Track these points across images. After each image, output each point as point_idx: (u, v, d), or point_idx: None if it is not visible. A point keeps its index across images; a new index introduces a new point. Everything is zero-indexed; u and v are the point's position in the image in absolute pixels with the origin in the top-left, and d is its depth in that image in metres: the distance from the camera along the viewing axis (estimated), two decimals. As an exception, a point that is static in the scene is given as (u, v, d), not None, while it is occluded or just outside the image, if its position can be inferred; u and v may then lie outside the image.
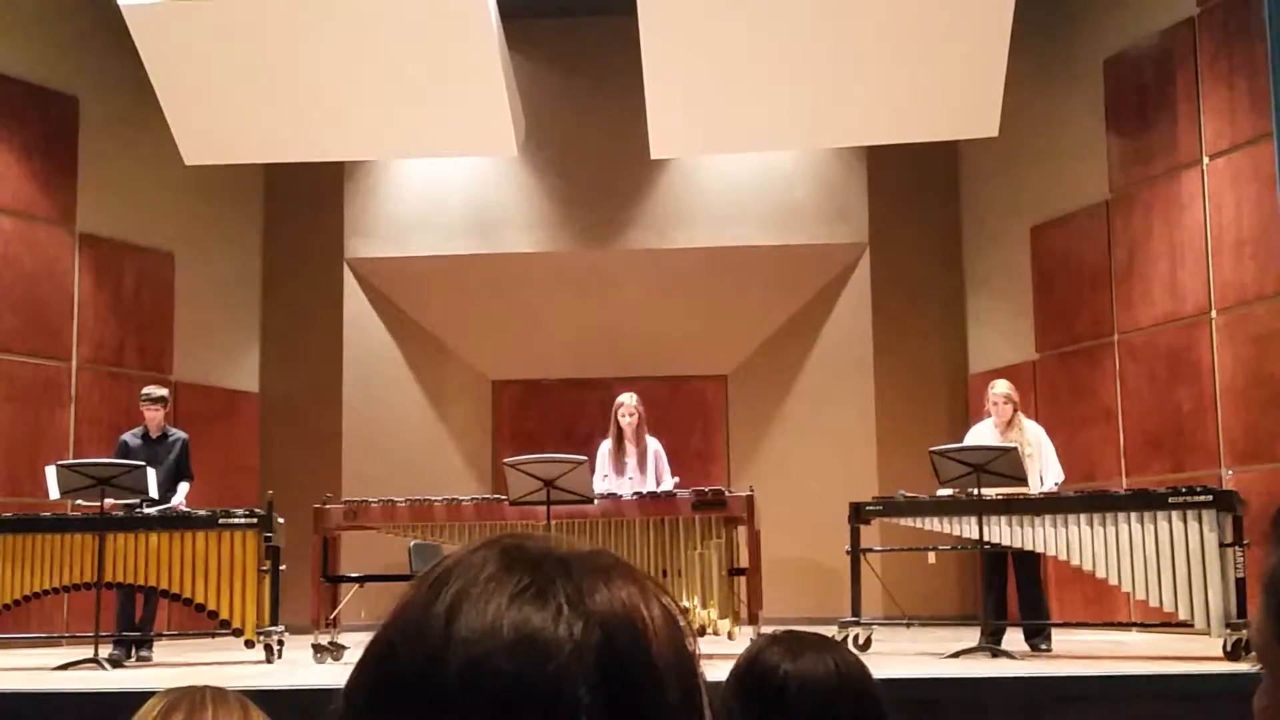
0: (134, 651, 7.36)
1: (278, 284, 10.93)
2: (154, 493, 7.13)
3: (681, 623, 0.75)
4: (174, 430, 7.79)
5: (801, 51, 8.34)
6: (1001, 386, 7.43)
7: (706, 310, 10.82)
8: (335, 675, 6.01)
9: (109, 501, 6.93)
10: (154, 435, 7.68)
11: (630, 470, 7.67)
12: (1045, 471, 7.23)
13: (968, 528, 6.74)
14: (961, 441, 7.41)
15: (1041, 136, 9.75)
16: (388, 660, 0.72)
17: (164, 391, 7.78)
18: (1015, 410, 7.34)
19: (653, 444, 7.79)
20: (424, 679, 0.69)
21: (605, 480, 7.67)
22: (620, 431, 7.72)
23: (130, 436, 7.71)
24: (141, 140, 9.57)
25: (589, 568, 0.73)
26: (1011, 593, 7.15)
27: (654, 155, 9.20)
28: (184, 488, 7.70)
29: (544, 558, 0.73)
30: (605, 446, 7.80)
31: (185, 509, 7.42)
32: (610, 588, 0.72)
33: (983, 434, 7.37)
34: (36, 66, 9.31)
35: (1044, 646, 6.93)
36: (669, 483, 7.60)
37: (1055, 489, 7.11)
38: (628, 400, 7.77)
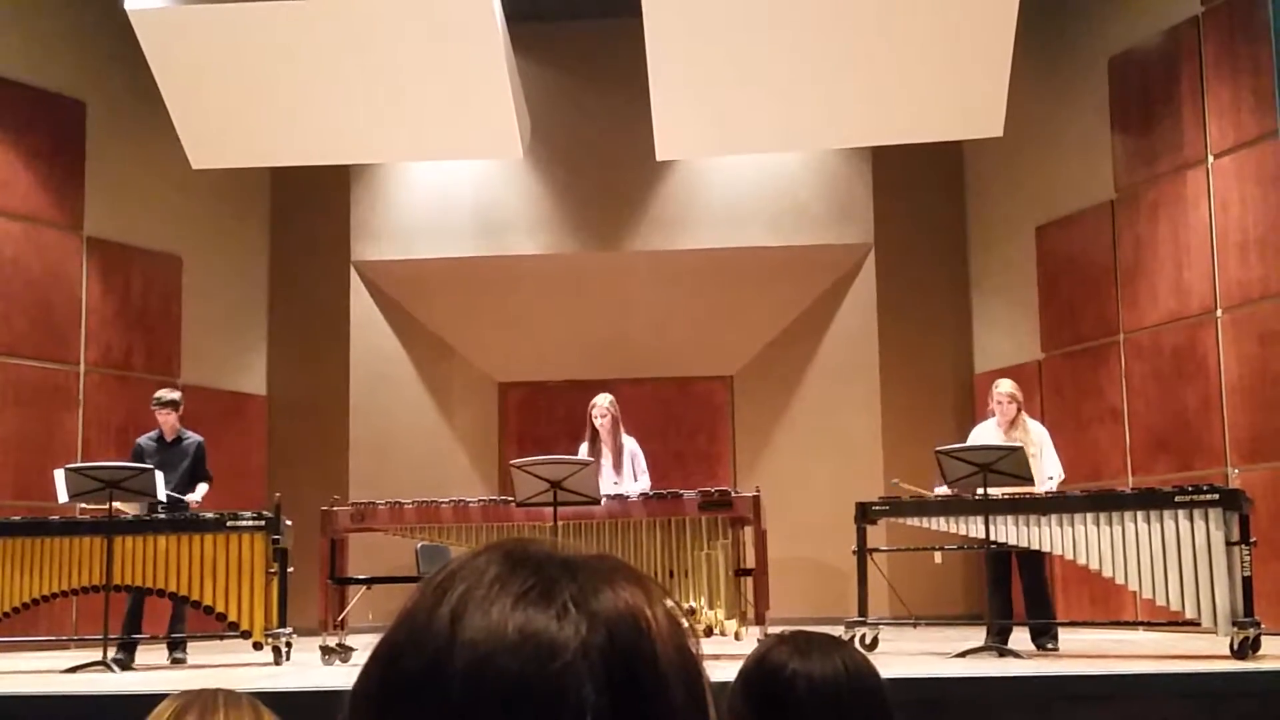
0: (169, 653, 7.43)
1: (285, 287, 10.95)
2: (162, 496, 7.14)
3: (685, 624, 0.76)
4: (189, 433, 7.76)
5: (806, 52, 8.34)
6: (1006, 386, 7.34)
7: (712, 311, 10.82)
8: (343, 677, 6.02)
9: (117, 505, 6.95)
10: (168, 439, 7.67)
11: (606, 470, 7.57)
12: (1046, 470, 7.15)
13: (974, 527, 6.69)
14: (965, 441, 7.37)
15: (1046, 136, 9.74)
16: (393, 662, 0.72)
17: (174, 395, 7.72)
18: (1019, 410, 7.26)
19: (629, 444, 7.73)
20: (429, 680, 0.70)
21: None
22: (595, 433, 7.67)
23: (145, 440, 7.70)
24: (148, 144, 9.60)
25: (592, 570, 0.74)
26: (1018, 591, 7.12)
27: (659, 157, 9.21)
28: (202, 488, 7.68)
29: (548, 560, 0.74)
30: (582, 450, 7.68)
31: (195, 510, 7.41)
32: (614, 589, 0.73)
33: (986, 434, 7.28)
34: (44, 72, 9.34)
35: (1050, 646, 6.90)
36: (644, 482, 7.53)
37: (1055, 488, 7.04)
38: (601, 401, 7.70)
